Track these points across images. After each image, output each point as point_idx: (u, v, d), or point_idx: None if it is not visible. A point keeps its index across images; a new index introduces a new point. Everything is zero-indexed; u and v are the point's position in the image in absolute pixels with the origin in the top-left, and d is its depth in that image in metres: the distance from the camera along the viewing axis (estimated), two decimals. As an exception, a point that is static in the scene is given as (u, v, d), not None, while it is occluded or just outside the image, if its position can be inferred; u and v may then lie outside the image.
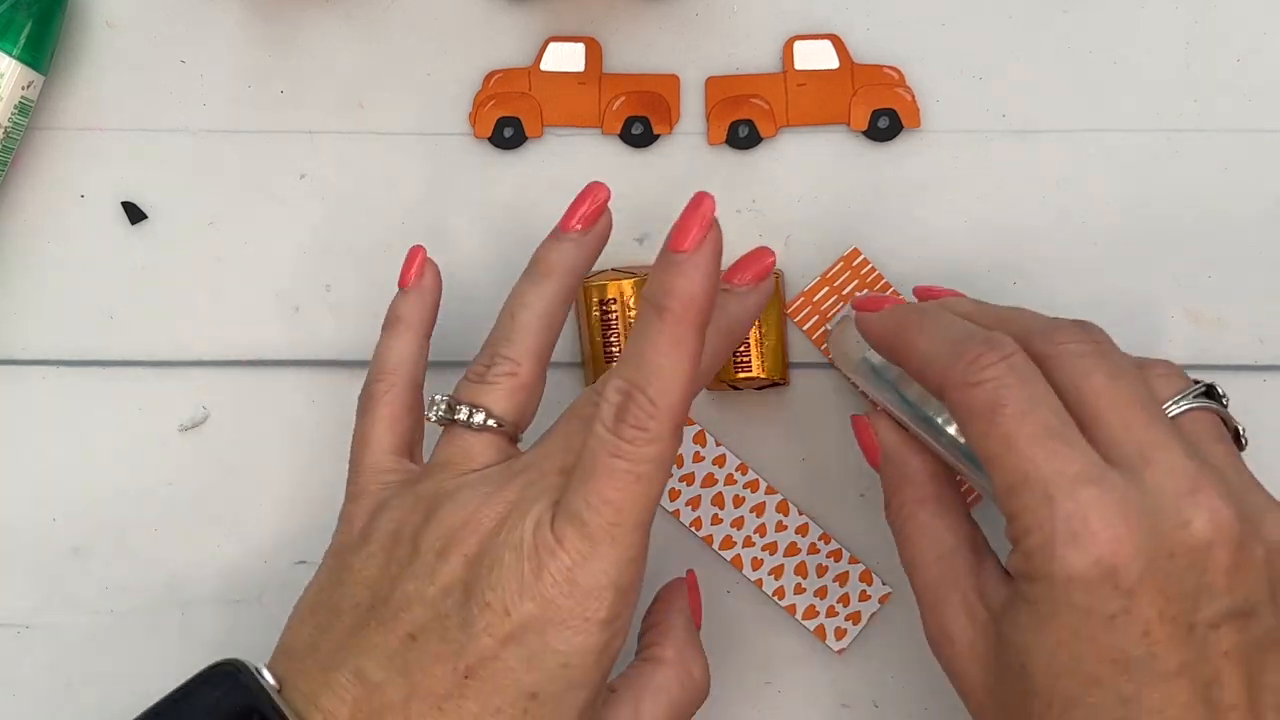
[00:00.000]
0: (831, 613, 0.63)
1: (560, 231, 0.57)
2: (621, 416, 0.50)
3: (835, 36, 0.63)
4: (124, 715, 0.63)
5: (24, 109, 0.61)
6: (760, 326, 0.62)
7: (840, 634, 0.63)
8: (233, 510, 0.64)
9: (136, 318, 0.64)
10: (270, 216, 0.64)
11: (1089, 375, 0.51)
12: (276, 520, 0.64)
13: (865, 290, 0.62)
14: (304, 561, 0.64)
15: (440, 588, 0.51)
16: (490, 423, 0.54)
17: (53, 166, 0.64)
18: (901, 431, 0.57)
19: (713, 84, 0.64)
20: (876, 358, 0.57)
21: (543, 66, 0.64)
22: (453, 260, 0.63)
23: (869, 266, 0.62)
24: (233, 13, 0.63)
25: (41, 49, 0.61)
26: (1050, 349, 0.52)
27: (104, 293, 0.64)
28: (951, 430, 0.55)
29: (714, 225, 0.51)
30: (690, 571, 0.60)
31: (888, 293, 0.62)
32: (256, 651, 0.63)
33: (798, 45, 0.63)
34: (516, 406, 0.55)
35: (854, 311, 0.58)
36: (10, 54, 0.60)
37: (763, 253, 0.56)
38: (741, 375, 0.61)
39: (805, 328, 0.63)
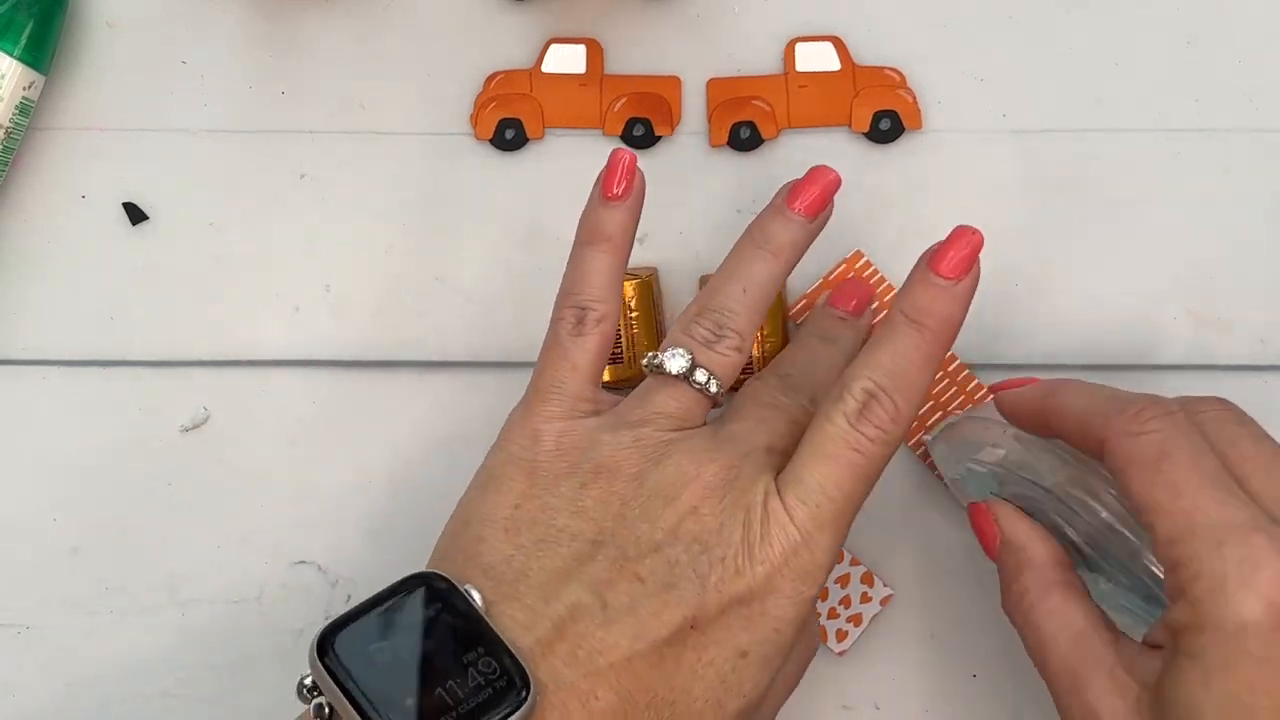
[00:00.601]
0: (833, 614, 0.63)
1: (788, 210, 0.57)
2: (866, 415, 0.52)
3: (836, 38, 0.63)
4: (123, 716, 0.63)
5: (25, 109, 0.61)
6: (763, 330, 0.62)
7: (841, 636, 0.63)
8: (233, 510, 0.64)
9: (137, 318, 0.64)
10: (271, 216, 0.64)
11: (1236, 441, 0.51)
12: (276, 520, 0.64)
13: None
14: (304, 561, 0.64)
15: (673, 534, 0.51)
16: (719, 394, 0.55)
17: (54, 167, 0.64)
18: (1026, 517, 0.56)
19: (714, 85, 0.64)
20: (983, 464, 0.58)
21: (544, 68, 0.64)
22: (454, 262, 0.63)
23: (872, 268, 0.62)
24: (233, 13, 0.63)
25: (42, 49, 0.61)
26: (1194, 418, 0.52)
27: (105, 293, 0.64)
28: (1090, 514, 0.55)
29: (978, 259, 0.54)
30: None
31: (890, 296, 0.62)
32: (257, 653, 0.63)
33: (799, 47, 0.63)
34: (732, 380, 0.55)
35: (957, 419, 0.59)
36: (11, 54, 0.61)
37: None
38: (745, 378, 0.61)
39: None
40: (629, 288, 0.61)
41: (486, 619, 0.49)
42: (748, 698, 0.51)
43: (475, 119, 0.64)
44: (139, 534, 0.64)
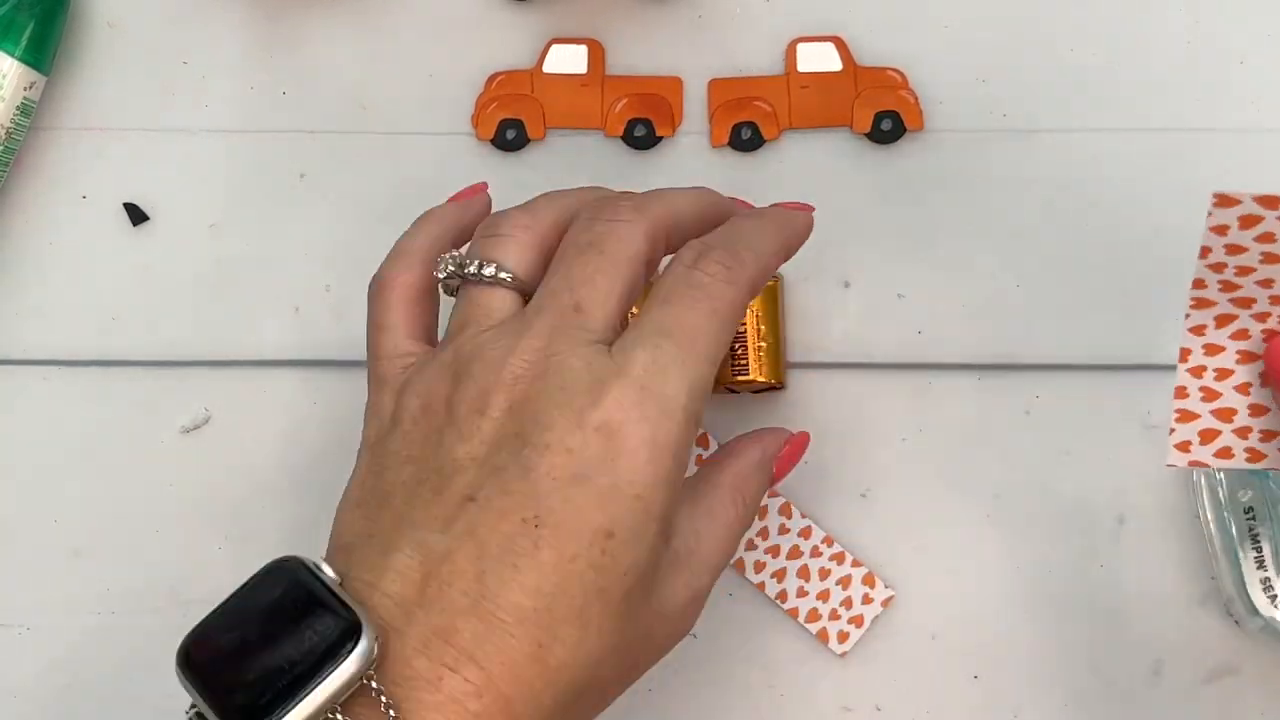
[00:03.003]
0: (834, 616, 0.63)
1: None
2: (700, 258, 0.50)
3: (838, 38, 0.63)
4: (123, 716, 0.63)
5: (26, 109, 0.62)
6: (759, 329, 0.62)
7: (843, 637, 0.63)
8: (233, 511, 0.64)
9: (137, 318, 0.64)
10: (271, 217, 0.64)
11: None
12: (276, 520, 0.63)
13: None
14: (303, 561, 0.64)
15: (489, 443, 0.48)
16: (503, 275, 0.51)
17: (55, 167, 0.64)
18: None
19: (715, 86, 0.64)
20: None
21: (545, 68, 0.64)
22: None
23: None
24: (235, 13, 0.63)
25: (43, 50, 0.61)
26: None
27: (105, 293, 0.64)
28: None
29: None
30: (804, 433, 0.58)
31: None
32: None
33: (800, 47, 0.63)
34: (529, 263, 0.52)
35: None
36: (12, 55, 0.61)
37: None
38: (739, 379, 0.61)
39: None
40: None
41: (325, 583, 0.47)
42: (632, 574, 0.48)
43: (476, 119, 0.64)
44: (139, 534, 0.64)
